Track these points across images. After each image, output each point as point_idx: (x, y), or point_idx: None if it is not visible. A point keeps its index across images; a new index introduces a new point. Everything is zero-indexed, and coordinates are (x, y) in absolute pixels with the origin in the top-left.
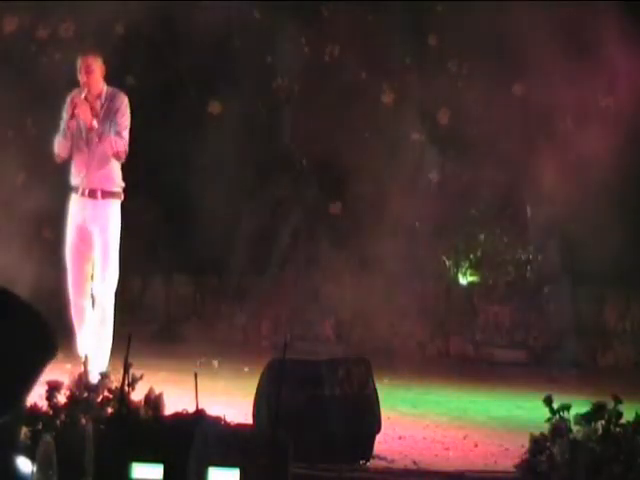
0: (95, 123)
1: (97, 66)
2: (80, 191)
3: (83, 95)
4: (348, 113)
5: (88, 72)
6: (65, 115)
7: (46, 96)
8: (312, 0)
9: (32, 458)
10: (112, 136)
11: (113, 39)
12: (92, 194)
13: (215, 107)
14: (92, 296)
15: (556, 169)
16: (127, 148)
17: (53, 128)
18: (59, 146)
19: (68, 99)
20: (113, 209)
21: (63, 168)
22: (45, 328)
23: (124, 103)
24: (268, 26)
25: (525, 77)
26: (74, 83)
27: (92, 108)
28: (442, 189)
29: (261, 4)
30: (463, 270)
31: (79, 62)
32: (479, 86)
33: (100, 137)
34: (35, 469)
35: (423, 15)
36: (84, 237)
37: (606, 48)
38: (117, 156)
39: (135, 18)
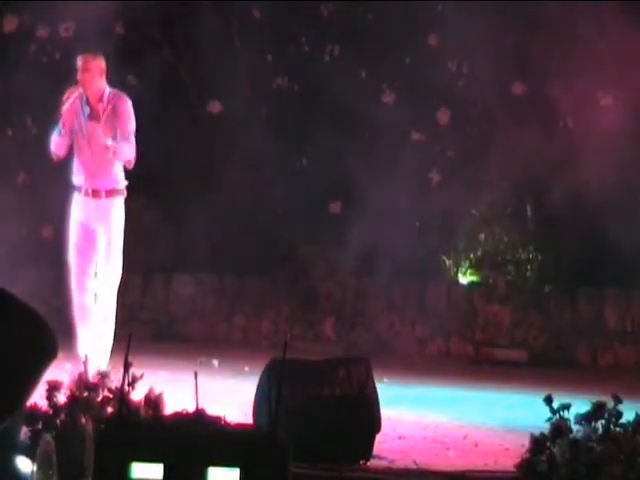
0: (110, 141)
1: (95, 65)
2: (83, 190)
3: (78, 93)
4: (348, 112)
5: (84, 70)
6: (61, 112)
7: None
8: (312, 0)
9: (32, 458)
10: (123, 145)
11: (113, 39)
12: (96, 194)
13: (215, 106)
14: (95, 294)
15: (556, 168)
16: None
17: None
18: (55, 145)
19: (64, 95)
20: (117, 207)
21: (65, 166)
22: (44, 329)
23: (127, 106)
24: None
25: (525, 75)
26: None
27: (94, 109)
28: (443, 188)
29: (261, 4)
30: (463, 270)
31: (78, 61)
32: (478, 85)
33: (114, 152)
34: (35, 469)
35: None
36: (87, 236)
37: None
38: (129, 164)
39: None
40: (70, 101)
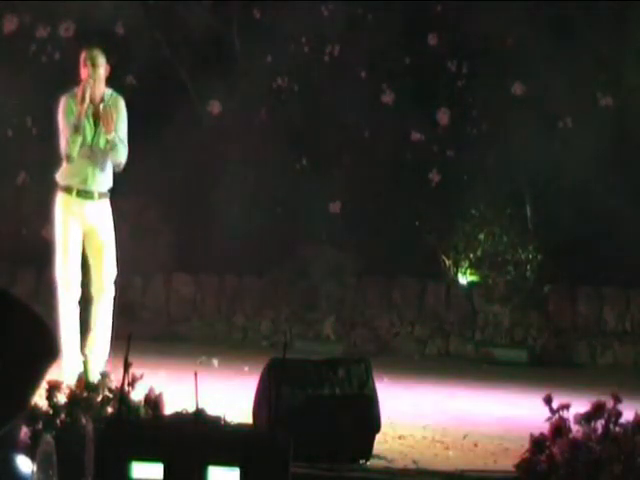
0: (112, 134)
1: (104, 61)
2: (75, 191)
3: (89, 87)
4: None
5: (95, 65)
6: (75, 109)
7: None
8: (312, 0)
9: (32, 458)
10: (120, 144)
11: (114, 39)
12: (89, 195)
13: (215, 106)
14: (91, 296)
15: (556, 168)
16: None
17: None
18: (75, 144)
19: (79, 90)
20: (108, 209)
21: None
22: (46, 331)
23: (124, 109)
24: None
25: (524, 75)
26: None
27: (96, 109)
28: (441, 188)
29: (262, 4)
30: (463, 270)
31: (84, 55)
32: (478, 85)
33: (111, 146)
34: (35, 469)
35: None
36: (78, 237)
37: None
38: (119, 167)
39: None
40: (87, 94)
